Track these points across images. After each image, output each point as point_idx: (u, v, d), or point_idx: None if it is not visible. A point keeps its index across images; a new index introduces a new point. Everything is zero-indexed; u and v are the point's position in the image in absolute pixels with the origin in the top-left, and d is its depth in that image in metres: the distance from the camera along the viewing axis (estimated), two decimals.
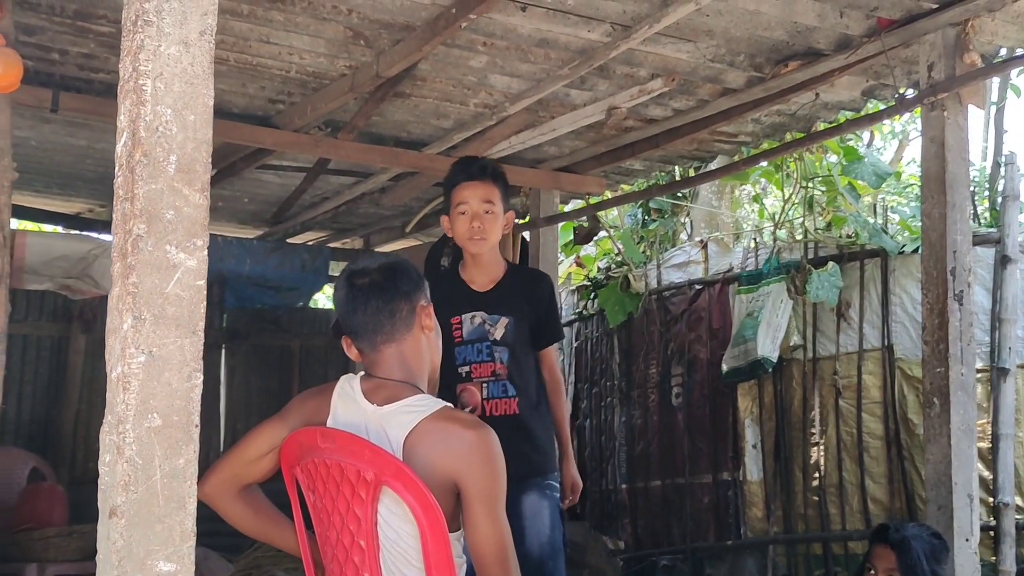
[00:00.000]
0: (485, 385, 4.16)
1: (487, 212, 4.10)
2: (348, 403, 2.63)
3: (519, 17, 4.62)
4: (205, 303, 1.78)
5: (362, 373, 2.71)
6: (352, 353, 2.72)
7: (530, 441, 4.12)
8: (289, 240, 9.22)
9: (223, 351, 9.37)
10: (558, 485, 4.19)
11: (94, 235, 8.39)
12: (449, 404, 2.60)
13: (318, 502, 2.59)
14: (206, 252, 1.77)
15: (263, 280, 9.00)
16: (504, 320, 4.18)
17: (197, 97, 1.79)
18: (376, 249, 9.56)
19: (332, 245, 9.71)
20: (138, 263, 1.73)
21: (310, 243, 9.56)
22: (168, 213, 1.75)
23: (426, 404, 2.57)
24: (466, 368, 4.17)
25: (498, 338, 4.17)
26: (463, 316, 4.20)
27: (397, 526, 2.47)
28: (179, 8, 1.78)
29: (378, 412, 2.57)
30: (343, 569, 2.53)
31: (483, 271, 4.24)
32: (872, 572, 3.90)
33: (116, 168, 1.80)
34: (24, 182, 7.38)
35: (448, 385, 4.16)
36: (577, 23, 4.68)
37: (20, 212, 8.46)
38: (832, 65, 4.98)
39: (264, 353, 9.51)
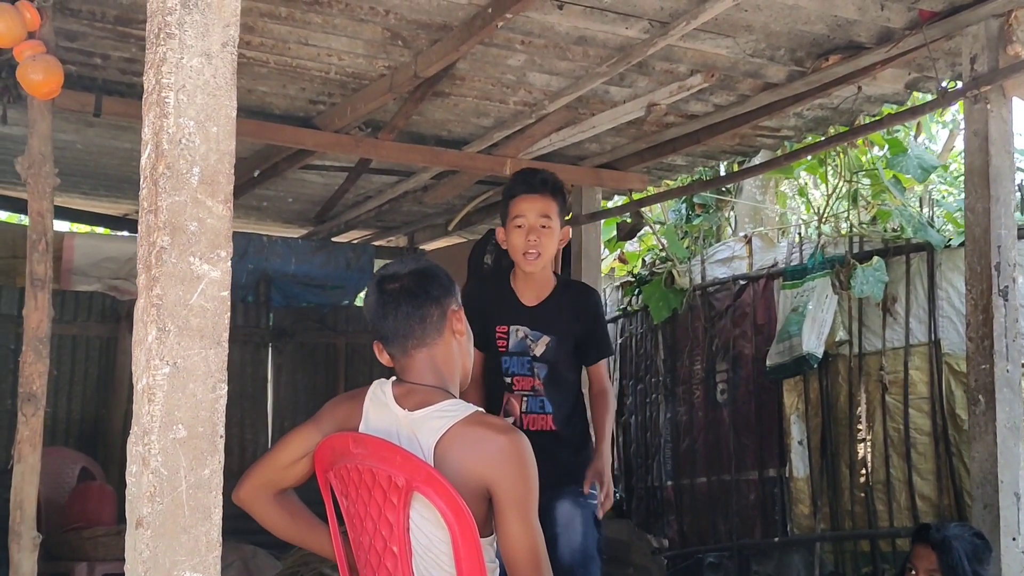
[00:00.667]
0: (525, 399, 4.14)
1: (543, 227, 4.01)
2: (380, 408, 2.63)
3: (556, 15, 4.61)
4: (229, 314, 1.79)
5: (394, 378, 2.71)
6: (384, 358, 2.71)
7: (565, 452, 4.10)
8: (334, 239, 9.28)
9: (270, 350, 9.42)
10: (595, 493, 4.17)
11: None
12: (480, 409, 2.58)
13: (351, 507, 2.59)
14: (230, 263, 1.77)
15: (308, 279, 9.06)
16: (546, 339, 4.13)
17: (220, 109, 1.79)
18: (420, 247, 9.59)
19: (376, 243, 9.76)
20: (162, 275, 1.73)
21: (355, 241, 9.61)
22: (191, 225, 1.76)
23: (457, 409, 2.56)
24: (509, 379, 4.16)
25: (538, 355, 4.14)
26: (510, 327, 4.17)
27: (429, 532, 2.46)
28: (201, 20, 1.79)
29: (409, 417, 2.56)
30: (376, 574, 2.53)
31: (533, 286, 4.17)
32: (913, 572, 3.85)
33: (141, 180, 1.81)
34: (71, 185, 7.48)
35: (494, 390, 4.18)
36: (615, 20, 4.66)
37: (68, 214, 8.58)
38: (873, 58, 4.93)
39: (310, 351, 9.56)
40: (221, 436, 1.76)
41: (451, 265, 8.29)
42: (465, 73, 5.33)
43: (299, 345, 9.47)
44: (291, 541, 2.84)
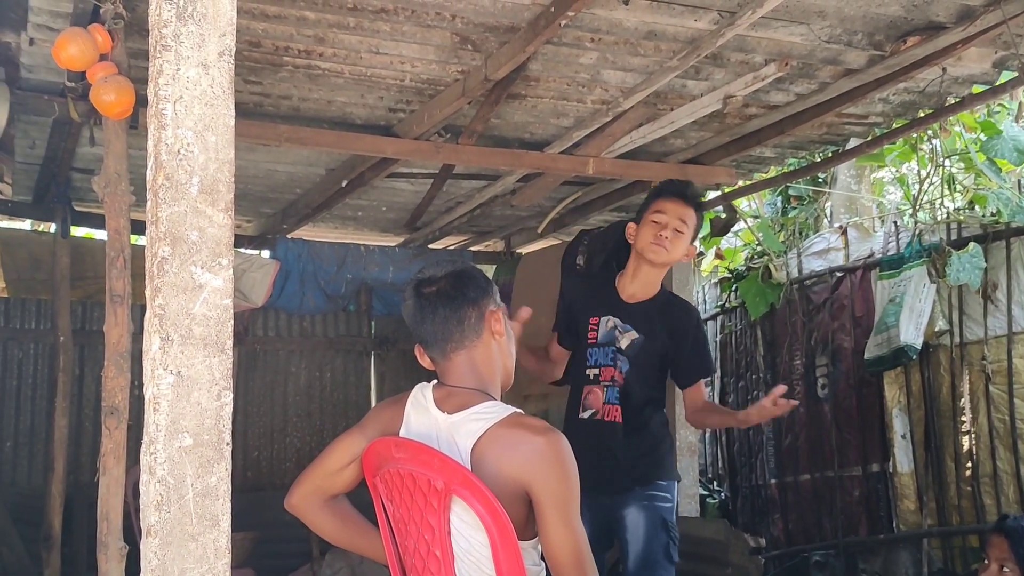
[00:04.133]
0: (606, 388, 4.17)
1: (677, 231, 4.16)
2: (420, 412, 2.63)
3: (622, 11, 4.55)
4: (232, 321, 1.79)
5: (435, 381, 2.71)
6: (425, 362, 2.72)
7: (632, 450, 4.09)
8: (430, 245, 9.32)
9: (372, 358, 9.53)
10: (668, 495, 4.16)
11: (241, 250, 8.61)
12: (519, 410, 2.55)
13: (396, 512, 2.59)
14: (232, 271, 1.78)
15: None
16: (633, 334, 4.21)
17: (218, 118, 1.80)
18: (516, 250, 9.58)
19: (473, 248, 9.78)
20: (164, 285, 1.75)
21: (451, 248, 9.65)
22: (192, 234, 1.77)
23: (495, 411, 2.54)
24: (595, 371, 4.21)
25: (623, 347, 4.19)
26: (601, 318, 4.23)
27: (469, 535, 2.45)
28: (197, 31, 1.80)
29: (448, 420, 2.55)
30: None
31: (639, 285, 4.27)
32: (986, 562, 3.71)
33: (146, 192, 1.83)
34: None
35: (576, 385, 4.21)
36: (682, 12, 4.59)
37: None
38: (953, 38, 4.77)
39: (412, 358, 9.54)
40: (228, 444, 1.77)
41: (546, 267, 8.28)
42: (539, 74, 5.30)
43: (401, 353, 9.54)
44: (344, 546, 2.86)
